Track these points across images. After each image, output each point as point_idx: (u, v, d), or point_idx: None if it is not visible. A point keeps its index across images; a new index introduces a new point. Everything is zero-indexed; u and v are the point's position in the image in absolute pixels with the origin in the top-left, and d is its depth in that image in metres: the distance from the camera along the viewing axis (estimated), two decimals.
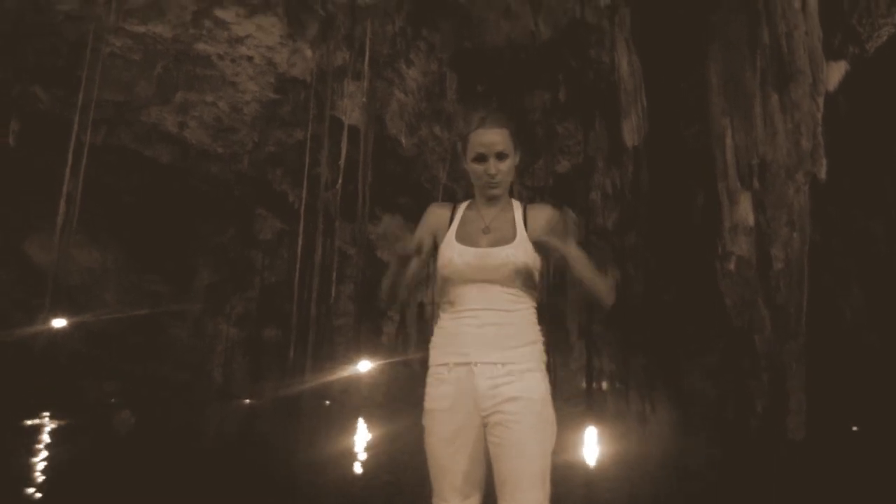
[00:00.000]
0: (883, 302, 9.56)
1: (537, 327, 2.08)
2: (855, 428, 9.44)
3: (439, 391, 1.98)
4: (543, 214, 2.13)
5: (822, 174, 9.04)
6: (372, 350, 15.28)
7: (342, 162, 11.56)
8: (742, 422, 8.90)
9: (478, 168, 2.10)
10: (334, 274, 12.73)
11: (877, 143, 9.49)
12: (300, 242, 12.81)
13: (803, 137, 9.28)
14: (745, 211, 9.52)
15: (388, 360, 15.20)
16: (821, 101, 8.72)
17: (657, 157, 10.68)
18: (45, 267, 12.40)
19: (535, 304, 2.08)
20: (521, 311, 2.05)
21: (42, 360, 11.94)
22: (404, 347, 15.20)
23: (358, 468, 6.73)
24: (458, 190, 12.57)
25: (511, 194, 2.24)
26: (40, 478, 5.41)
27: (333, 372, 15.04)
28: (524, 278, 2.05)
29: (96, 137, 11.19)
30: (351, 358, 15.15)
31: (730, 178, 9.80)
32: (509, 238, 2.07)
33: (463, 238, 2.07)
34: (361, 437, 9.98)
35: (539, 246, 2.05)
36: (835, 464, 7.36)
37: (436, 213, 2.17)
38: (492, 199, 2.13)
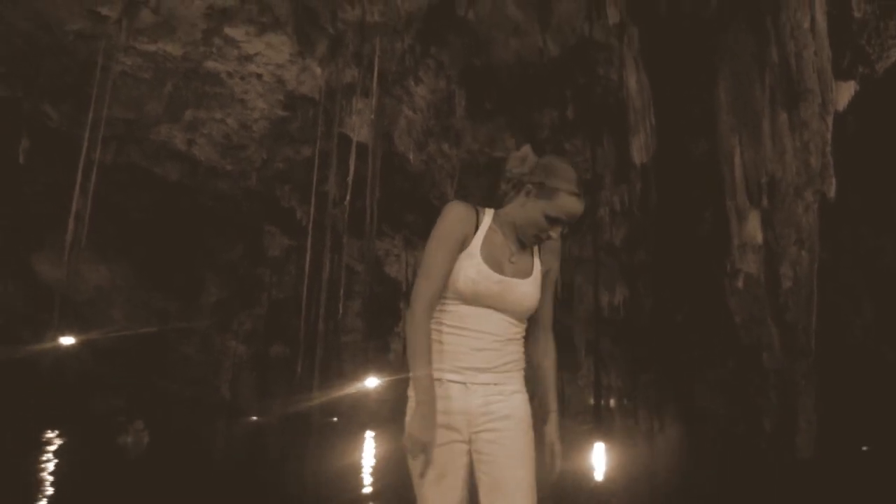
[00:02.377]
0: (893, 318, 9.52)
1: (523, 352, 2.12)
2: (865, 447, 9.38)
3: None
4: (554, 248, 2.18)
5: (832, 193, 9.04)
6: (379, 366, 15.26)
7: (350, 179, 11.58)
8: (751, 440, 8.85)
9: (544, 224, 2.05)
10: (342, 290, 12.74)
11: (885, 163, 9.50)
12: (308, 259, 12.82)
13: (812, 156, 9.30)
14: (754, 229, 9.51)
15: (395, 377, 15.16)
16: (830, 120, 8.74)
17: (665, 174, 10.69)
18: (53, 283, 12.44)
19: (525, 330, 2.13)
20: (517, 339, 2.08)
21: (50, 376, 11.95)
22: None
23: (366, 485, 6.70)
24: None
25: None
26: (49, 491, 5.40)
27: (341, 388, 15.01)
28: (531, 312, 2.08)
29: (106, 155, 11.24)
30: (358, 374, 15.12)
31: (738, 195, 9.81)
32: (528, 272, 2.07)
33: (489, 261, 2.02)
34: (369, 453, 9.94)
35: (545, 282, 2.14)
36: (844, 483, 7.31)
37: (464, 219, 2.06)
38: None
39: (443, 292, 2.01)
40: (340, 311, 13.25)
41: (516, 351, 2.07)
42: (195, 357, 14.42)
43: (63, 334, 12.95)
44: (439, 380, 1.97)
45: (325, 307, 14.05)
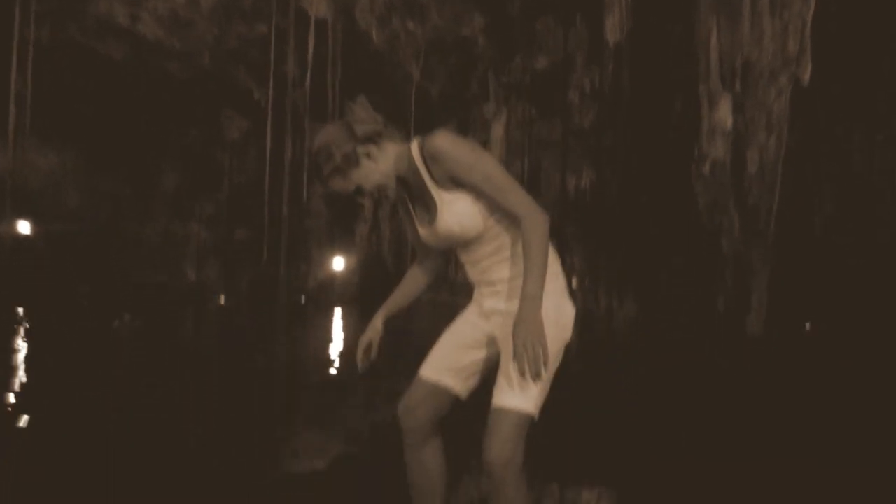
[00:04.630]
0: (852, 211, 9.76)
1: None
2: (808, 325, 9.93)
3: None
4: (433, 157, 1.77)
5: (806, 78, 8.93)
6: (345, 249, 15.30)
7: (310, 58, 10.97)
8: (704, 320, 9.28)
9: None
10: (305, 174, 12.41)
11: (865, 50, 9.31)
12: (269, 142, 12.36)
13: (790, 39, 9.08)
14: (725, 114, 9.45)
15: (361, 259, 15.28)
16: (812, 1, 8.48)
17: (639, 55, 10.37)
18: (1, 170, 11.85)
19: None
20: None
21: (9, 264, 11.68)
22: (378, 245, 15.22)
23: (334, 364, 6.89)
24: (431, 88, 12.13)
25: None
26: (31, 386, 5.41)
27: (307, 271, 15.10)
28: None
29: (41, 32, 10.33)
30: (324, 257, 15.18)
31: (712, 79, 9.65)
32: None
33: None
34: (336, 332, 10.18)
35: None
36: (787, 358, 7.81)
37: None
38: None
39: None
40: (304, 195, 13.03)
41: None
42: (159, 243, 14.21)
43: (18, 221, 12.52)
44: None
45: (288, 192, 13.79)
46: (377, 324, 2.06)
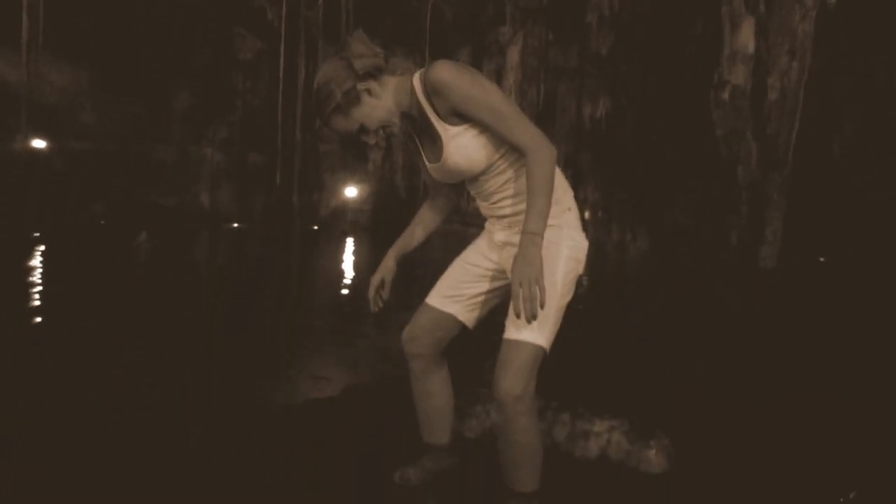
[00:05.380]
0: (871, 141, 9.51)
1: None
2: (822, 259, 9.81)
3: None
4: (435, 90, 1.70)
5: None
6: (359, 177, 15.27)
7: None
8: (716, 252, 9.21)
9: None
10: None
11: None
12: (282, 64, 12.25)
13: None
14: (747, 37, 9.18)
15: (374, 187, 15.25)
16: None
17: None
18: (15, 84, 11.86)
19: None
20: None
21: (24, 180, 11.82)
22: (391, 174, 15.17)
23: (346, 290, 6.98)
24: (446, 10, 11.85)
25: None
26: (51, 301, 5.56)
27: (320, 197, 15.13)
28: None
29: None
30: (337, 184, 15.17)
31: (735, 0, 9.34)
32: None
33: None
34: (348, 259, 10.26)
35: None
36: (800, 291, 7.74)
37: None
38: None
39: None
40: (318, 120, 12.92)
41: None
42: (172, 164, 14.27)
43: (33, 138, 12.61)
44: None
45: (301, 116, 13.69)
46: (389, 262, 2.01)
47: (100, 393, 3.00)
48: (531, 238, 1.59)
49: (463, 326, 2.00)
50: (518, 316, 1.57)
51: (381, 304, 2.03)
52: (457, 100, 1.65)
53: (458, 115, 1.69)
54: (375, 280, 2.02)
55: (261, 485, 2.09)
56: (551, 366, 1.76)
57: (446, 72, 1.63)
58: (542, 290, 1.57)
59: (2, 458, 2.23)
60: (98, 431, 2.52)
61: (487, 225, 1.98)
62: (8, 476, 2.07)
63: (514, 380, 1.66)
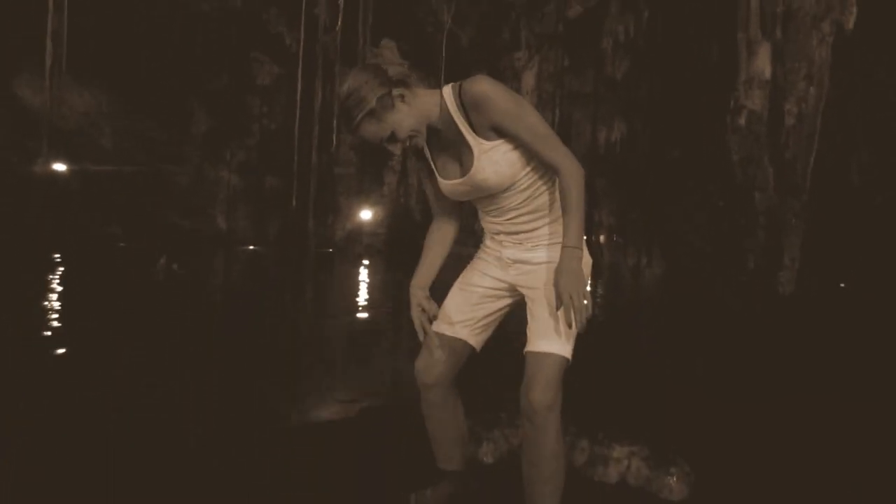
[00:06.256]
0: (890, 167, 9.42)
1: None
2: (843, 285, 9.68)
3: None
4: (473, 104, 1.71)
5: (850, 24, 8.59)
6: (373, 200, 15.34)
7: (341, 2, 10.90)
8: (734, 277, 9.11)
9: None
10: (335, 121, 12.41)
11: None
12: (299, 88, 12.35)
13: None
14: (763, 62, 9.16)
15: (389, 209, 15.30)
16: None
17: (675, 1, 10.07)
18: (37, 109, 12.08)
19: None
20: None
21: (43, 202, 11.98)
22: (406, 197, 15.22)
23: (362, 314, 6.96)
24: (461, 35, 11.96)
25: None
26: (62, 315, 5.58)
27: (335, 220, 15.20)
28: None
29: None
30: (352, 207, 15.25)
31: (751, 26, 9.34)
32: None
33: None
34: (363, 283, 10.26)
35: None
36: (819, 317, 7.63)
37: None
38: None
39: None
40: (334, 143, 13.04)
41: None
42: (189, 187, 14.42)
43: (53, 161, 12.81)
44: None
45: (317, 139, 13.81)
46: (418, 293, 1.94)
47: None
48: (572, 252, 1.66)
49: (472, 350, 1.97)
50: (570, 326, 1.62)
51: (428, 327, 1.98)
52: (497, 115, 1.66)
53: (494, 130, 1.69)
54: (416, 312, 1.95)
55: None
56: (568, 391, 1.73)
57: (488, 86, 1.65)
58: (589, 301, 1.65)
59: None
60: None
61: (490, 243, 1.96)
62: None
63: (545, 391, 1.68)
